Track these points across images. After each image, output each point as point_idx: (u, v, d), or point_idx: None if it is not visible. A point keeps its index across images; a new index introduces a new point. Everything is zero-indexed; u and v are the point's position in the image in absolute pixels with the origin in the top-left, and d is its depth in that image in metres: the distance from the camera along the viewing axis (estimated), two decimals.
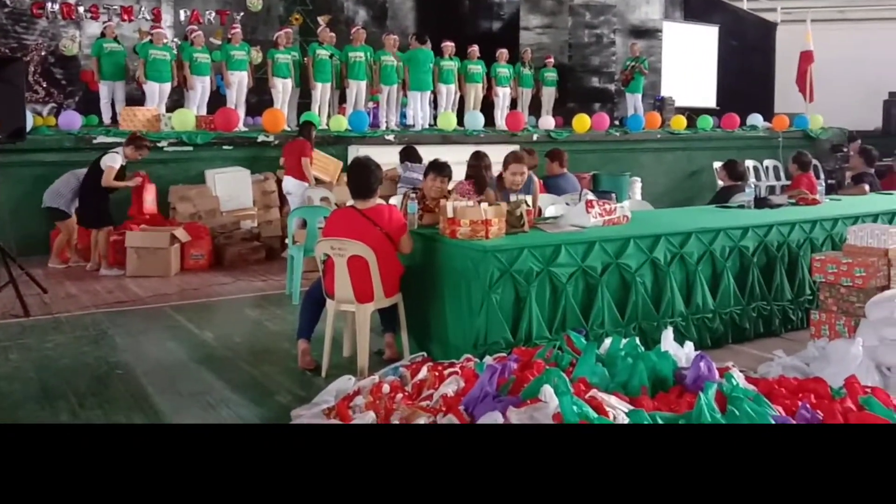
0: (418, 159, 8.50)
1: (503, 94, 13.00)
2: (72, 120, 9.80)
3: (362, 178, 4.70)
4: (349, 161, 8.48)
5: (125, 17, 13.15)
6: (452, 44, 12.29)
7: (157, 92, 10.57)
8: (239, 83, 10.99)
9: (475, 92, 12.58)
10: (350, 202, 4.83)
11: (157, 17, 13.33)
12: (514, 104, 13.30)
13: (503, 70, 12.96)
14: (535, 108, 13.74)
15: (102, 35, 11.20)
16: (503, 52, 13.02)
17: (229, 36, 11.39)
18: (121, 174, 7.85)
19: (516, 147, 7.40)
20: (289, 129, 10.52)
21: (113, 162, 7.73)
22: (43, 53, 12.69)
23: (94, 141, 8.97)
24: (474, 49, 12.63)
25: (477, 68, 12.58)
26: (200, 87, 10.84)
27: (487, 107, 12.76)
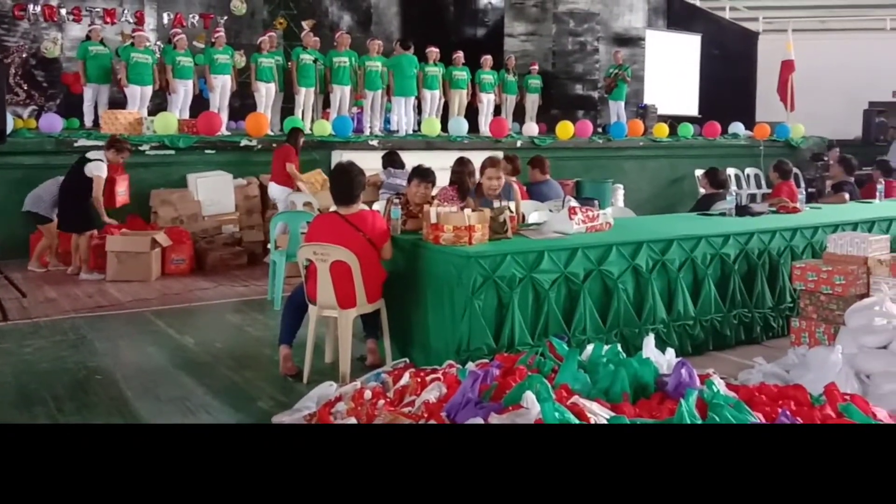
0: (401, 165, 8.50)
1: (487, 101, 13.04)
2: (53, 123, 9.71)
3: (345, 183, 4.67)
4: (332, 166, 8.41)
5: (108, 19, 13.08)
6: (437, 50, 12.29)
7: (139, 95, 10.51)
8: (222, 87, 10.93)
9: (459, 98, 12.60)
10: (333, 208, 4.82)
11: (139, 20, 13.27)
12: (497, 111, 13.32)
13: (487, 76, 13.00)
14: (519, 115, 13.78)
15: (88, 38, 11.10)
16: (487, 59, 13.04)
17: (213, 39, 11.31)
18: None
19: (499, 153, 7.41)
20: (272, 133, 10.49)
21: (99, 171, 7.62)
22: (24, 55, 12.61)
23: (76, 144, 8.87)
24: (459, 55, 12.64)
25: (461, 74, 12.60)
26: (183, 91, 10.77)
27: (471, 113, 12.77)
